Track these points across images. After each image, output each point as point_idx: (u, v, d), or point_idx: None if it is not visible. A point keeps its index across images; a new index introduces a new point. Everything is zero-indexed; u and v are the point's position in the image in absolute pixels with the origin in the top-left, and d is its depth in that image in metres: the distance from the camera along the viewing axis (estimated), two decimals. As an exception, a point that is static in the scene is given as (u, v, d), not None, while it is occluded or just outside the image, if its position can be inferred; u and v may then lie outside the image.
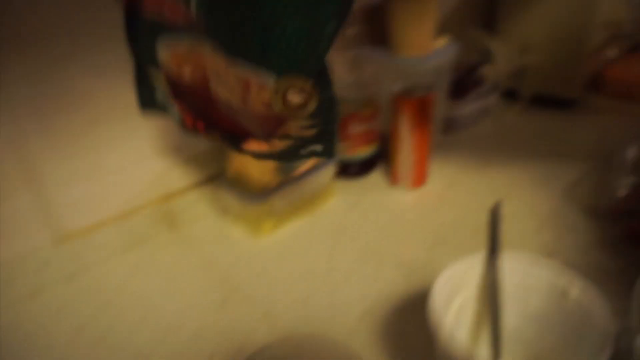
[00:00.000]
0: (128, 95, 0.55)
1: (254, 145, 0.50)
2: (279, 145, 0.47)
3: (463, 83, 0.94)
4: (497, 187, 0.81)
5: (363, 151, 0.81)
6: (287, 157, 0.49)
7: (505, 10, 1.04)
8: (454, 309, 0.45)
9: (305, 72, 0.39)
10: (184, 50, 0.44)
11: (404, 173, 0.78)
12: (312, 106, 0.41)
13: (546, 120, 1.01)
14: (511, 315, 0.46)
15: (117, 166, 0.67)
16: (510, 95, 1.07)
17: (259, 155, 0.51)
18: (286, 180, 0.70)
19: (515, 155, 0.89)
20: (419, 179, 0.79)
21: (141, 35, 0.46)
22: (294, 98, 0.40)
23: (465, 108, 0.95)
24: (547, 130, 0.98)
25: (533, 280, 0.45)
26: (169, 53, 0.45)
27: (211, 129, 0.51)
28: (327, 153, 0.47)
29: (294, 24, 0.36)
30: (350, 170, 0.83)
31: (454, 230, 0.70)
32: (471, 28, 0.97)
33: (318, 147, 0.46)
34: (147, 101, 0.54)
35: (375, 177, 0.85)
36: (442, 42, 0.83)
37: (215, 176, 0.77)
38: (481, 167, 0.86)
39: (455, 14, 0.99)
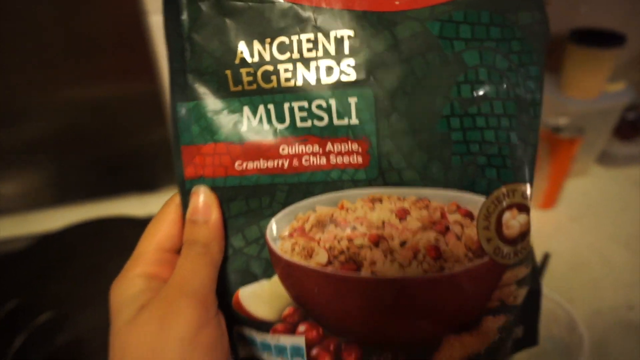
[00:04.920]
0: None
1: (454, 349, 0.32)
2: (491, 332, 0.32)
3: (636, 123, 0.96)
4: (620, 234, 0.82)
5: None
6: (494, 354, 0.33)
7: None
8: None
9: (522, 176, 0.31)
10: (316, 220, 0.31)
11: (535, 193, 0.85)
12: (528, 240, 0.32)
13: None
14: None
15: None
16: None
17: None
18: None
19: None
20: (547, 203, 0.87)
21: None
22: (511, 222, 0.30)
23: (631, 148, 0.96)
24: None
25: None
26: (288, 229, 0.31)
27: (377, 352, 0.32)
28: (531, 339, 0.36)
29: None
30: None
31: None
32: None
33: (520, 332, 0.35)
34: None
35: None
36: (617, 87, 0.84)
37: None
38: (618, 209, 0.87)
39: None
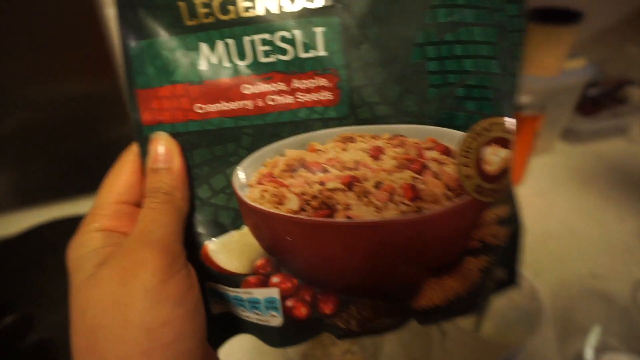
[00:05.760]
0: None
1: (434, 292, 0.31)
2: (473, 273, 0.31)
3: (598, 100, 0.97)
4: (585, 207, 0.84)
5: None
6: (476, 296, 0.33)
7: None
8: None
9: (500, 109, 0.29)
10: (285, 164, 0.29)
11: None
12: (510, 176, 0.31)
13: None
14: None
15: None
16: None
17: (439, 311, 0.32)
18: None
19: (623, 178, 0.90)
20: (514, 180, 0.86)
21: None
22: (492, 157, 0.29)
23: (593, 124, 0.97)
24: None
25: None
26: (256, 175, 0.29)
27: (353, 300, 0.31)
28: (511, 280, 0.36)
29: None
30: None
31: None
32: (631, 45, 1.02)
33: (502, 273, 0.35)
34: None
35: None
36: (577, 64, 0.85)
37: None
38: (583, 183, 0.90)
39: (616, 30, 1.04)
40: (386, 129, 0.29)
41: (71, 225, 0.75)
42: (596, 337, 0.55)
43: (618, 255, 0.73)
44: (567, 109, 0.92)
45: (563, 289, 0.68)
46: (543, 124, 0.83)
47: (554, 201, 0.86)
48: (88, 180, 0.85)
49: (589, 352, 0.54)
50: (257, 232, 0.30)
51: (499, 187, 0.30)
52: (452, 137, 0.29)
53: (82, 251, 0.26)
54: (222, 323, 0.32)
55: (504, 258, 0.34)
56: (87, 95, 0.80)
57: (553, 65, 0.86)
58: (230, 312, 0.32)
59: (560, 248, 0.76)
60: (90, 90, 0.80)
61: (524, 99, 0.82)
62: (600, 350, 0.54)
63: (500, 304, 0.51)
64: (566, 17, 0.80)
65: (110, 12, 0.74)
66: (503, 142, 0.29)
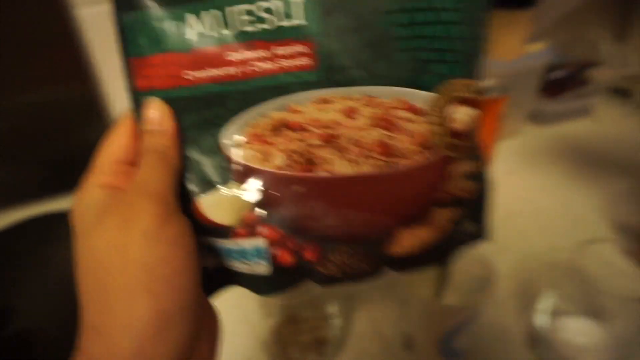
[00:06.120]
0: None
1: (407, 240, 0.34)
2: (442, 223, 0.34)
3: (561, 82, 1.01)
4: (549, 185, 0.89)
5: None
6: (447, 246, 0.36)
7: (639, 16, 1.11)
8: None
9: (467, 71, 0.32)
10: (269, 125, 0.32)
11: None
12: (477, 133, 0.34)
13: None
14: None
15: None
16: (625, 96, 1.11)
17: (412, 259, 0.35)
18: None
19: (587, 157, 0.96)
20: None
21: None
22: (459, 116, 0.32)
23: (557, 106, 1.02)
24: None
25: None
26: (243, 136, 0.32)
27: (333, 247, 0.34)
28: (482, 234, 0.38)
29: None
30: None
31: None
32: (593, 30, 1.07)
33: (472, 226, 0.37)
34: None
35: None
36: (537, 47, 0.89)
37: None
38: (548, 163, 0.94)
39: (577, 14, 1.10)
40: (359, 91, 0.32)
41: (50, 220, 0.77)
42: (549, 303, 0.59)
43: (579, 228, 0.78)
44: (531, 92, 0.96)
45: (526, 262, 0.73)
46: (508, 106, 0.87)
47: (520, 181, 0.91)
48: (61, 183, 0.86)
49: (542, 317, 0.59)
50: (245, 188, 0.33)
51: (466, 144, 0.33)
52: (421, 97, 0.32)
53: (84, 205, 0.29)
54: (213, 277, 0.35)
55: (473, 212, 0.37)
56: (59, 102, 0.81)
57: (513, 48, 0.90)
58: (221, 266, 0.35)
59: (525, 225, 0.81)
60: (62, 97, 0.81)
61: (487, 82, 0.86)
62: (556, 314, 0.58)
63: (458, 274, 0.55)
64: (522, 1, 0.85)
65: (80, 13, 0.73)
66: (470, 102, 0.33)
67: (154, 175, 0.29)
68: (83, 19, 0.74)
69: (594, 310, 0.56)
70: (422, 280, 0.57)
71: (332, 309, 0.59)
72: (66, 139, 0.85)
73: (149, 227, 0.27)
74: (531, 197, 0.87)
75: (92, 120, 0.84)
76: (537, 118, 1.05)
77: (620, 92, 1.13)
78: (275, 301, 0.56)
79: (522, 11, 0.86)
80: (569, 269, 0.53)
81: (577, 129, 1.05)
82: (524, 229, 0.80)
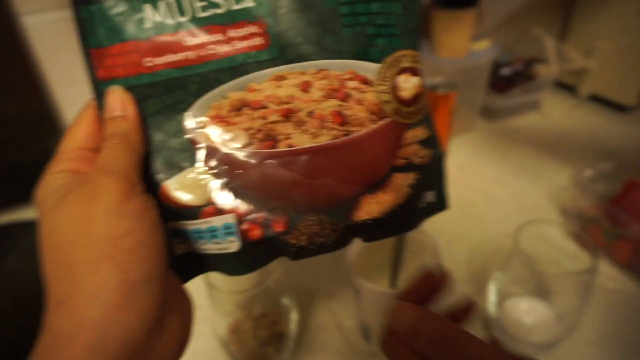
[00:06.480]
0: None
1: (371, 206, 0.36)
2: (402, 187, 0.36)
3: (510, 78, 1.07)
4: (501, 177, 0.93)
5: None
6: (409, 211, 0.38)
7: (578, 14, 1.14)
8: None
9: (408, 43, 0.35)
10: (230, 105, 0.33)
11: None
12: (424, 101, 0.36)
13: (596, 120, 1.09)
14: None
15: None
16: (570, 90, 1.18)
17: (378, 225, 0.37)
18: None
19: (536, 149, 1.00)
20: None
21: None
22: (405, 84, 0.34)
23: (507, 101, 1.06)
24: (593, 130, 1.06)
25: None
26: (205, 118, 0.33)
27: (301, 217, 0.35)
28: (442, 203, 0.41)
29: None
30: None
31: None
32: (536, 28, 1.12)
33: (432, 196, 0.39)
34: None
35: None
36: (483, 45, 0.95)
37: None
38: (499, 156, 0.99)
39: (520, 13, 1.15)
40: (312, 65, 0.34)
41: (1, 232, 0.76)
42: (500, 285, 0.61)
43: (528, 215, 0.81)
44: (481, 88, 1.01)
45: (480, 250, 0.77)
46: (458, 102, 0.91)
47: (473, 174, 0.95)
48: (15, 194, 0.86)
49: (492, 300, 0.62)
50: (211, 168, 0.34)
51: (415, 110, 0.36)
52: (369, 68, 0.34)
53: (48, 189, 0.29)
54: (185, 263, 0.36)
55: (430, 180, 0.39)
56: (12, 113, 0.80)
57: (460, 46, 0.94)
58: (192, 251, 0.36)
59: (478, 214, 0.85)
60: (14, 109, 0.80)
61: (437, 79, 0.90)
62: (504, 296, 0.61)
63: (410, 262, 0.57)
64: (465, 2, 0.90)
65: (27, 22, 0.72)
66: (413, 71, 0.35)
67: (116, 156, 0.30)
68: (30, 28, 0.73)
69: (540, 290, 0.58)
70: (377, 271, 0.59)
71: (290, 302, 0.60)
72: (19, 150, 0.84)
73: (112, 202, 0.27)
74: (484, 188, 0.91)
75: (46, 130, 0.83)
76: (489, 113, 1.10)
77: (566, 87, 1.20)
78: (233, 298, 0.56)
79: (466, 10, 0.90)
80: (517, 253, 0.56)
81: (526, 122, 1.11)
82: (478, 218, 0.84)
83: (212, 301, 0.55)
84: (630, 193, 0.75)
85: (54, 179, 0.30)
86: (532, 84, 1.07)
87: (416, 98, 0.36)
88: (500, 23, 1.12)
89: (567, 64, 1.11)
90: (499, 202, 0.87)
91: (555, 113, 1.13)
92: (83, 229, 0.27)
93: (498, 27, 1.12)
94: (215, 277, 0.52)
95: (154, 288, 0.28)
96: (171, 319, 0.30)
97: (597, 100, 1.15)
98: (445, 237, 0.78)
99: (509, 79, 1.07)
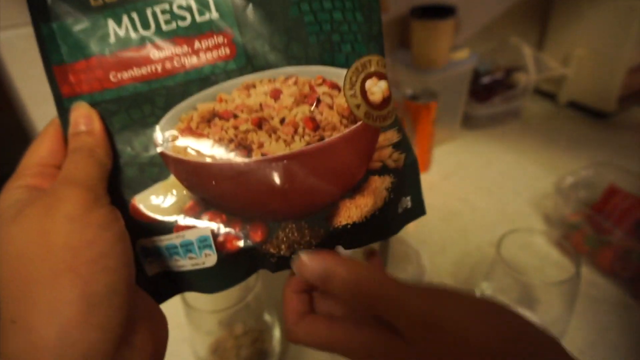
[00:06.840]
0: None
1: (350, 210, 0.36)
2: (380, 190, 0.36)
3: (490, 87, 1.08)
4: (484, 186, 0.93)
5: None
6: (387, 216, 0.37)
7: (555, 23, 1.16)
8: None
9: (374, 48, 0.35)
10: (200, 117, 0.33)
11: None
12: (393, 104, 0.36)
13: (576, 127, 1.10)
14: None
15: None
16: (550, 98, 1.20)
17: (359, 230, 0.36)
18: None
19: (518, 157, 1.01)
20: (421, 167, 0.87)
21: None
22: (374, 88, 0.34)
23: (488, 109, 1.07)
24: (573, 137, 1.06)
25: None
26: (175, 131, 0.33)
27: (280, 225, 0.34)
28: (419, 208, 0.40)
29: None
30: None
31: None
32: (514, 37, 1.14)
33: (408, 202, 0.39)
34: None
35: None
36: (462, 55, 0.95)
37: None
38: (482, 164, 0.99)
39: (498, 23, 1.17)
40: (280, 72, 0.33)
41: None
42: (483, 295, 0.61)
43: (513, 223, 0.82)
44: (461, 97, 1.01)
45: (465, 259, 0.76)
46: (439, 112, 0.91)
47: (457, 183, 0.94)
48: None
49: None
50: (184, 181, 0.33)
51: (385, 113, 0.36)
52: (337, 74, 0.34)
53: (6, 203, 0.28)
54: (158, 284, 0.34)
55: (405, 185, 0.39)
56: None
57: (439, 56, 0.95)
58: (165, 271, 0.34)
59: (463, 224, 0.84)
60: None
61: (417, 89, 0.90)
62: None
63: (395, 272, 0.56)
64: (443, 12, 0.90)
65: (2, 36, 0.70)
66: (379, 75, 0.35)
67: (80, 168, 0.29)
68: (2, 44, 0.71)
69: (525, 299, 0.58)
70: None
71: (271, 319, 0.59)
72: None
73: (74, 211, 0.26)
74: (468, 197, 0.90)
75: (20, 148, 0.81)
76: (471, 123, 1.10)
77: (546, 94, 1.21)
78: (212, 318, 0.55)
79: (444, 21, 0.91)
80: (499, 262, 0.55)
81: (508, 130, 1.11)
82: (463, 228, 0.83)
83: (190, 321, 0.54)
84: (610, 199, 0.76)
85: (12, 194, 0.28)
86: (512, 92, 1.08)
87: (385, 101, 0.36)
88: (478, 33, 1.13)
89: (546, 72, 1.12)
90: (483, 211, 0.87)
91: (535, 121, 1.14)
92: (42, 240, 0.25)
93: (477, 36, 1.13)
94: (191, 295, 0.51)
95: (117, 302, 0.26)
96: (139, 337, 0.28)
97: (577, 107, 1.16)
98: (430, 247, 0.78)
99: (489, 88, 1.08)
